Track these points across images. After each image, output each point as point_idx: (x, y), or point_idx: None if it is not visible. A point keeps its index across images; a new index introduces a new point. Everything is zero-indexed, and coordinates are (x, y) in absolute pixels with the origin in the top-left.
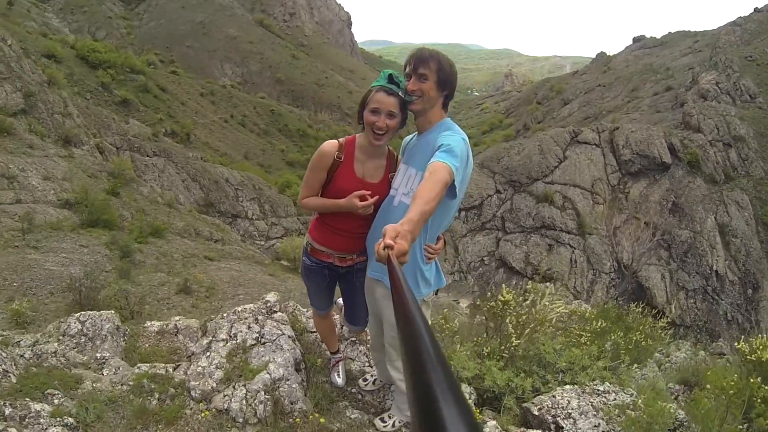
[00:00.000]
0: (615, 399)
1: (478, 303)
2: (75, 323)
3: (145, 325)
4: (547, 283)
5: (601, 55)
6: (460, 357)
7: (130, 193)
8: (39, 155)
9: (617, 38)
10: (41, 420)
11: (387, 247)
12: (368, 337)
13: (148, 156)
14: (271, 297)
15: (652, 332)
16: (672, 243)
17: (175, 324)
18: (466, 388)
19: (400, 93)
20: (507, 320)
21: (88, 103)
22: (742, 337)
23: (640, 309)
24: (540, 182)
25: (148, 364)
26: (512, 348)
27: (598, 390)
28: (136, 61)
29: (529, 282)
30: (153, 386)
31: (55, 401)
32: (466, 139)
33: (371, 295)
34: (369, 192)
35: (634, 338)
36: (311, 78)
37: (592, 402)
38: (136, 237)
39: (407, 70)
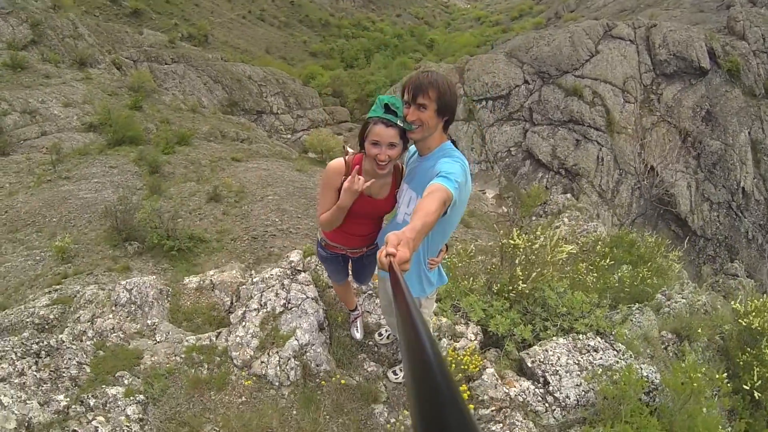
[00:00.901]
0: (601, 358)
1: (503, 194)
2: (123, 293)
3: (184, 282)
4: (559, 222)
5: None
6: (470, 300)
7: (152, 104)
8: (56, 83)
9: None
10: (119, 402)
11: (389, 254)
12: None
13: (166, 64)
14: (295, 256)
15: (662, 264)
16: (702, 152)
17: (211, 280)
18: (473, 328)
19: (399, 122)
20: (516, 261)
21: (98, 21)
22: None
23: (654, 239)
24: (570, 75)
25: (194, 337)
26: (519, 289)
27: (588, 345)
28: None
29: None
30: (201, 357)
31: (125, 381)
32: (465, 164)
33: (384, 284)
34: (358, 174)
35: (641, 274)
36: None
37: (579, 361)
38: (163, 149)
39: (405, 98)
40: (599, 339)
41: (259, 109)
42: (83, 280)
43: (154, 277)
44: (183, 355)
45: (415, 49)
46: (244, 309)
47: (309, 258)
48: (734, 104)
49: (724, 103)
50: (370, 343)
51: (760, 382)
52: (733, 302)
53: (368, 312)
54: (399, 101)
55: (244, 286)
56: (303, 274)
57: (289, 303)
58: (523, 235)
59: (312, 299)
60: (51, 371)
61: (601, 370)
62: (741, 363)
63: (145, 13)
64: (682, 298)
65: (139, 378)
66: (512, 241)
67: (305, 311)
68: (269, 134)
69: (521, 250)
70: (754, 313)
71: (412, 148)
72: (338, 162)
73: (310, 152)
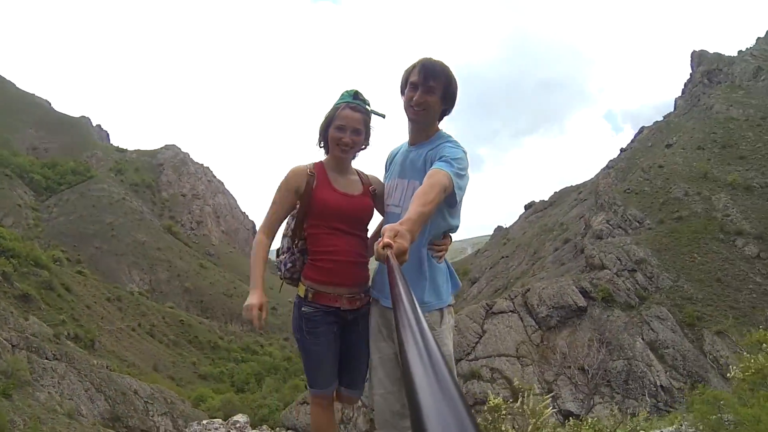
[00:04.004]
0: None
1: None
2: None
3: None
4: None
5: (499, 229)
6: None
7: (24, 397)
8: None
9: (511, 210)
10: None
11: (386, 246)
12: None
13: (47, 359)
14: (240, 417)
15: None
16: (609, 377)
17: None
18: None
19: (367, 107)
20: (502, 428)
21: None
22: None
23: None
24: (464, 361)
25: None
26: None
27: None
28: (42, 255)
29: None
30: None
31: None
32: (466, 152)
33: (389, 327)
34: (263, 317)
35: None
36: (220, 288)
37: None
38: None
39: (413, 79)
40: None
41: (144, 428)
42: None
43: None
44: None
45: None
46: None
47: (261, 426)
48: (619, 323)
49: (610, 326)
50: None
51: None
52: (729, 373)
53: None
54: (362, 95)
55: None
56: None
57: None
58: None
59: None
60: None
61: None
62: None
63: (35, 300)
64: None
65: None
66: (491, 403)
67: None
68: None
69: (504, 413)
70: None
71: (392, 150)
72: (301, 165)
73: None
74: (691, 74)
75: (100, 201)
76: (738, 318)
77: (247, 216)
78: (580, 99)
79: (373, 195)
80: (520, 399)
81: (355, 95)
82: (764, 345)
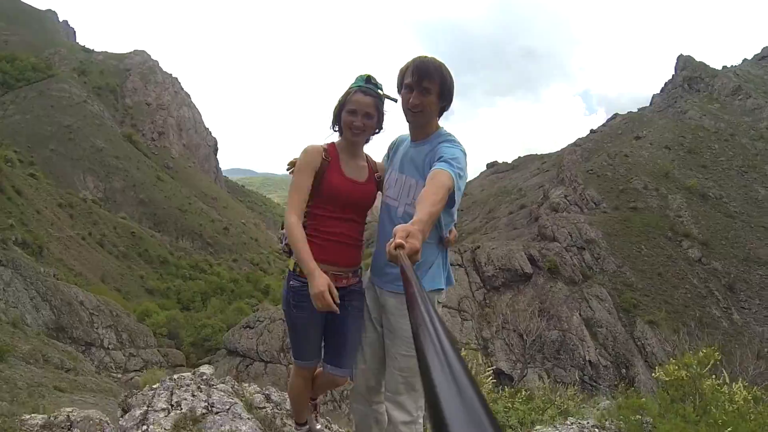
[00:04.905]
0: (589, 422)
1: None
2: None
3: (23, 417)
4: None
5: None
6: None
7: None
8: None
9: (473, 165)
10: None
11: (398, 246)
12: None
13: None
14: (207, 369)
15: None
16: (543, 345)
17: (68, 415)
18: None
19: (380, 91)
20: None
21: None
22: (656, 366)
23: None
24: None
25: None
26: None
27: (567, 423)
28: None
29: None
30: None
31: None
32: (465, 151)
33: (379, 312)
34: (336, 295)
35: (555, 402)
36: (175, 202)
37: (572, 428)
38: None
39: (408, 80)
40: (572, 418)
41: (88, 340)
42: None
43: None
44: None
45: (251, 295)
46: (145, 408)
47: (225, 377)
48: (560, 295)
49: (552, 296)
50: None
51: None
52: (653, 373)
53: None
54: (376, 79)
55: (138, 394)
56: (222, 386)
57: (212, 406)
58: None
59: (243, 407)
60: None
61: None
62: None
63: None
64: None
65: None
66: None
67: (238, 415)
68: (97, 370)
69: None
70: (675, 370)
71: (398, 138)
72: (316, 145)
73: None
74: (673, 76)
75: (60, 102)
76: (670, 313)
77: (210, 132)
78: (559, 73)
79: (377, 182)
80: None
81: (368, 79)
82: (691, 368)
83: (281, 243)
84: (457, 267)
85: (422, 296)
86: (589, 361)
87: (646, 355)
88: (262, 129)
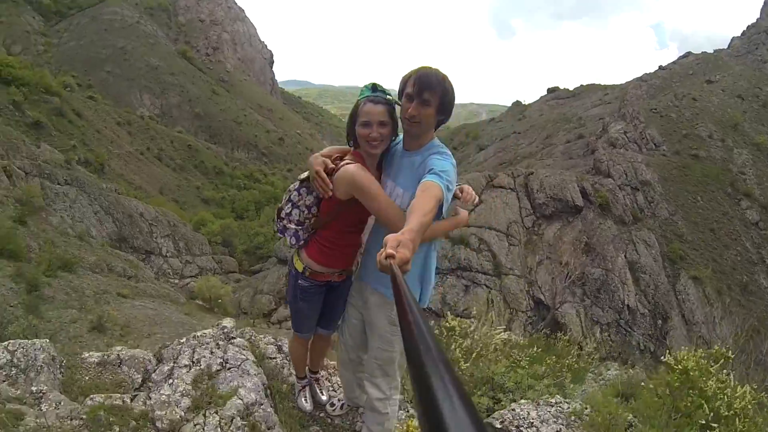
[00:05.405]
0: (568, 408)
1: None
2: (3, 353)
3: (83, 355)
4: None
5: (517, 104)
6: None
7: (38, 222)
8: None
9: (532, 89)
10: None
11: (389, 256)
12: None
13: (59, 184)
14: (228, 323)
15: (579, 359)
16: (585, 281)
17: (118, 354)
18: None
19: (388, 97)
20: (453, 347)
21: None
22: (667, 351)
23: (567, 338)
24: None
25: (102, 395)
26: (461, 372)
27: (551, 402)
28: (52, 82)
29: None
30: (111, 419)
31: None
32: (455, 164)
33: (362, 304)
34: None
35: (567, 362)
36: (230, 115)
37: (549, 411)
38: (44, 270)
39: (409, 90)
40: (558, 397)
41: (148, 248)
42: None
43: (48, 340)
44: (84, 416)
45: None
46: (172, 365)
47: (243, 329)
48: (608, 234)
49: (599, 234)
50: (322, 415)
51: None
52: (663, 357)
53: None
54: (381, 86)
55: (168, 347)
56: (239, 339)
57: (226, 362)
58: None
59: (253, 362)
60: None
61: (574, 416)
62: (686, 404)
63: (47, 127)
64: (613, 371)
65: None
66: (447, 324)
67: (246, 371)
68: (156, 276)
69: (457, 334)
70: (684, 359)
71: (395, 140)
72: (353, 163)
73: (198, 299)
74: (757, 19)
75: (113, 25)
76: (716, 272)
77: (265, 45)
78: (633, 1)
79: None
80: (474, 323)
81: (374, 88)
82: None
83: (288, 238)
84: (509, 191)
85: (412, 307)
86: (628, 305)
87: (684, 311)
88: (320, 41)
